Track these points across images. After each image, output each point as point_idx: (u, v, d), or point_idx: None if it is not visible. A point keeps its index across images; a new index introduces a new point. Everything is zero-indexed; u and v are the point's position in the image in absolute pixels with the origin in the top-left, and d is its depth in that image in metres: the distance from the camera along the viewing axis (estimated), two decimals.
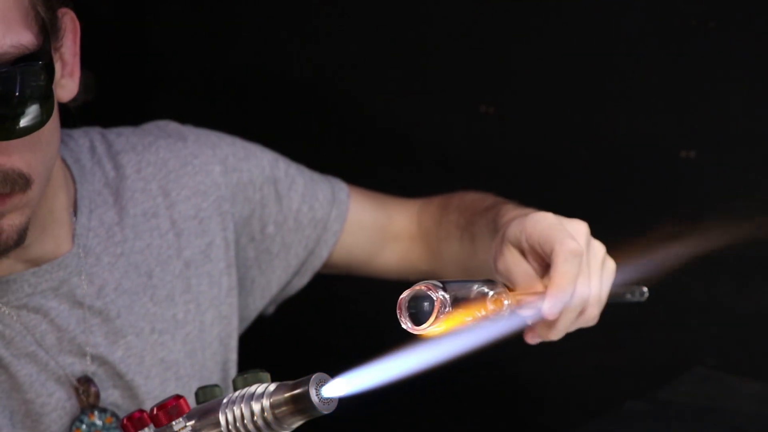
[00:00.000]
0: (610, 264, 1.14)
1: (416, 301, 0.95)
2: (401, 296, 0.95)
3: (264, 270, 1.42)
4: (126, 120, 1.45)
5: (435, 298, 0.94)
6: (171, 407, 0.94)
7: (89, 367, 1.26)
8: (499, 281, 1.03)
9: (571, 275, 1.08)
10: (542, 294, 1.10)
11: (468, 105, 1.84)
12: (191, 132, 1.39)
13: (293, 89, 1.95)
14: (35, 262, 1.23)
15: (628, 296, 1.23)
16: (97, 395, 1.26)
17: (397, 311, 0.95)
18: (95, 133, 1.35)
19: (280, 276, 1.43)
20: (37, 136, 1.10)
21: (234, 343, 1.38)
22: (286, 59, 1.96)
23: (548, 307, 1.08)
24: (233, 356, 1.39)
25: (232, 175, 1.38)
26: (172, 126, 1.40)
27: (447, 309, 0.95)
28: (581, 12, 1.73)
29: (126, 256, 1.29)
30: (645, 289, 1.23)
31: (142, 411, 0.96)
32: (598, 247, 1.13)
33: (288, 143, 1.94)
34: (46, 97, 1.10)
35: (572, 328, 1.13)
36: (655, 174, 1.73)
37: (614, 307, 1.22)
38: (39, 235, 1.21)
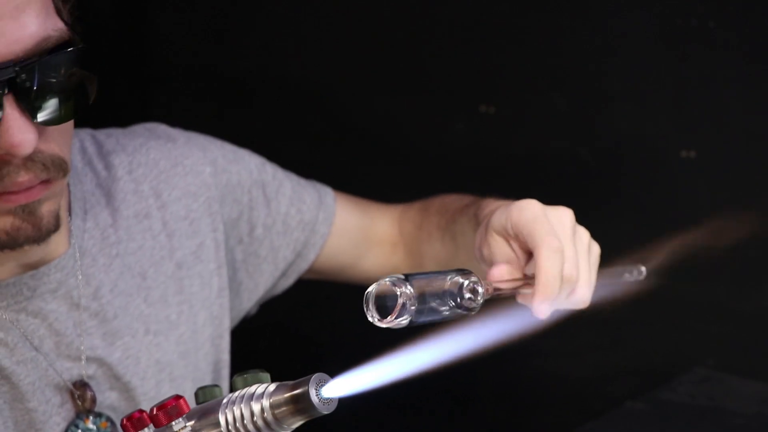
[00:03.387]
0: (595, 248, 1.15)
1: (382, 296, 0.96)
2: (367, 290, 0.95)
3: (251, 273, 1.42)
4: (126, 120, 1.45)
5: (399, 293, 0.95)
6: (171, 407, 0.94)
7: (87, 370, 1.26)
8: (472, 271, 1.04)
9: (555, 272, 1.09)
10: (522, 280, 1.11)
11: (468, 105, 1.84)
12: (180, 134, 1.40)
13: (292, 89, 1.95)
14: (34, 266, 1.22)
15: (626, 275, 1.23)
16: (93, 400, 1.26)
17: (364, 305, 0.95)
18: (85, 134, 1.35)
19: (267, 279, 1.43)
20: (70, 121, 1.12)
21: (225, 344, 1.38)
22: (286, 60, 1.96)
23: (538, 305, 1.09)
24: (225, 356, 1.39)
25: (221, 176, 1.38)
26: (161, 128, 1.40)
27: (412, 303, 0.96)
28: (581, 12, 1.73)
29: (121, 257, 1.29)
30: (643, 268, 1.23)
31: (141, 411, 0.96)
32: (583, 232, 1.14)
33: (287, 143, 1.94)
34: (88, 80, 1.11)
35: (563, 307, 1.14)
36: (655, 174, 1.73)
37: (615, 307, 1.22)
38: None
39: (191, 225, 1.35)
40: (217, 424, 0.91)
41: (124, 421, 0.95)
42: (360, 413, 1.09)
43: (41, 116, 1.08)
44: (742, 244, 1.71)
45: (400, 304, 0.95)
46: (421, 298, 0.97)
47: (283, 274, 1.45)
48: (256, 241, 1.41)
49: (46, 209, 1.13)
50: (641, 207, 1.76)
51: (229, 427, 0.91)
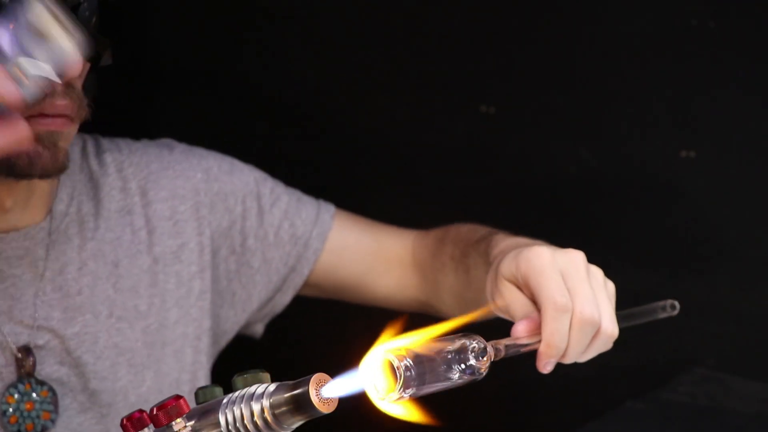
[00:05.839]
0: (611, 286, 1.14)
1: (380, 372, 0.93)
2: (365, 365, 0.91)
3: (245, 284, 1.45)
4: (126, 120, 1.46)
5: (398, 367, 0.92)
6: (171, 407, 0.94)
7: (37, 339, 1.29)
8: (477, 335, 1.01)
9: (561, 332, 1.08)
10: (536, 338, 1.09)
11: (468, 105, 1.83)
12: (182, 145, 1.45)
13: (292, 89, 1.95)
14: (5, 231, 1.28)
15: (660, 312, 1.22)
16: (33, 365, 1.28)
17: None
18: (89, 137, 1.41)
19: (260, 291, 1.46)
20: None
21: (203, 345, 1.40)
22: (286, 59, 1.96)
23: (542, 364, 1.09)
24: (202, 358, 1.40)
25: (213, 183, 1.42)
26: (167, 140, 1.46)
27: (413, 376, 0.93)
28: (581, 12, 1.73)
29: (96, 242, 1.34)
30: (676, 303, 1.22)
31: (141, 411, 0.96)
32: (597, 272, 1.13)
33: (287, 143, 1.94)
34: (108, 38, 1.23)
35: (596, 352, 1.13)
36: (655, 174, 1.73)
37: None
38: (23, 204, 1.27)
39: (175, 226, 1.39)
40: (217, 424, 0.91)
41: (124, 421, 0.95)
42: (359, 413, 1.09)
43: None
44: (742, 244, 1.71)
45: (403, 378, 0.93)
46: (428, 365, 0.95)
47: (279, 289, 1.47)
48: (248, 251, 1.44)
49: (63, 145, 1.20)
50: (641, 207, 1.76)
51: (229, 427, 0.91)
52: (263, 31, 1.94)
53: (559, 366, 1.12)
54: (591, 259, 1.14)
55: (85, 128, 1.33)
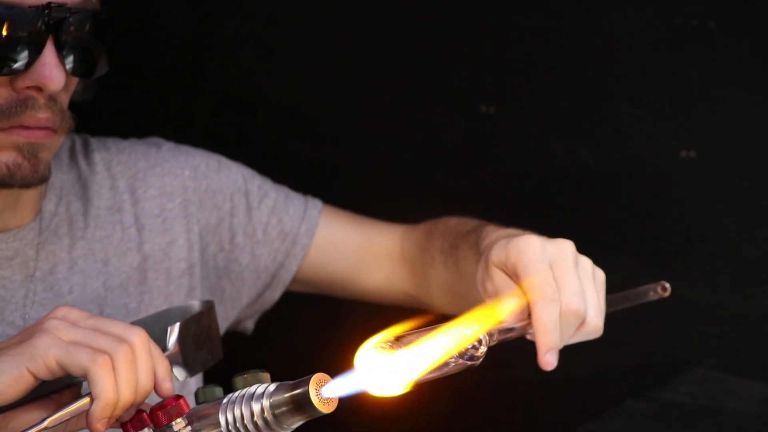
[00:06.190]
0: (600, 275, 1.15)
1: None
2: (360, 357, 0.91)
3: (234, 281, 1.45)
4: (125, 120, 1.46)
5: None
6: (170, 407, 0.94)
7: None
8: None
9: (551, 322, 1.09)
10: (526, 321, 1.10)
11: (468, 105, 1.83)
12: (169, 143, 1.45)
13: (291, 90, 1.95)
14: None
15: (651, 294, 1.22)
16: None
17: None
18: (78, 137, 1.40)
19: (249, 287, 1.46)
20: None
21: None
22: (285, 60, 1.96)
23: (543, 356, 1.09)
24: None
25: (201, 181, 1.42)
26: (155, 139, 1.46)
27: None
28: (581, 12, 1.73)
29: (86, 240, 1.34)
30: (667, 284, 1.22)
31: (141, 411, 0.96)
32: (586, 262, 1.13)
33: (286, 143, 1.94)
34: (105, 48, 1.23)
35: (577, 340, 1.13)
36: (655, 174, 1.73)
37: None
38: (12, 206, 1.26)
39: (164, 223, 1.39)
40: (217, 424, 0.91)
41: None
42: (359, 413, 1.09)
43: (69, 65, 1.18)
44: (742, 244, 1.71)
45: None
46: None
47: (268, 285, 1.47)
48: (237, 248, 1.44)
49: (44, 156, 1.20)
50: (641, 207, 1.76)
51: (229, 427, 0.91)
52: (262, 31, 1.94)
53: (559, 366, 1.12)
54: (591, 259, 1.14)
55: (84, 128, 1.32)
